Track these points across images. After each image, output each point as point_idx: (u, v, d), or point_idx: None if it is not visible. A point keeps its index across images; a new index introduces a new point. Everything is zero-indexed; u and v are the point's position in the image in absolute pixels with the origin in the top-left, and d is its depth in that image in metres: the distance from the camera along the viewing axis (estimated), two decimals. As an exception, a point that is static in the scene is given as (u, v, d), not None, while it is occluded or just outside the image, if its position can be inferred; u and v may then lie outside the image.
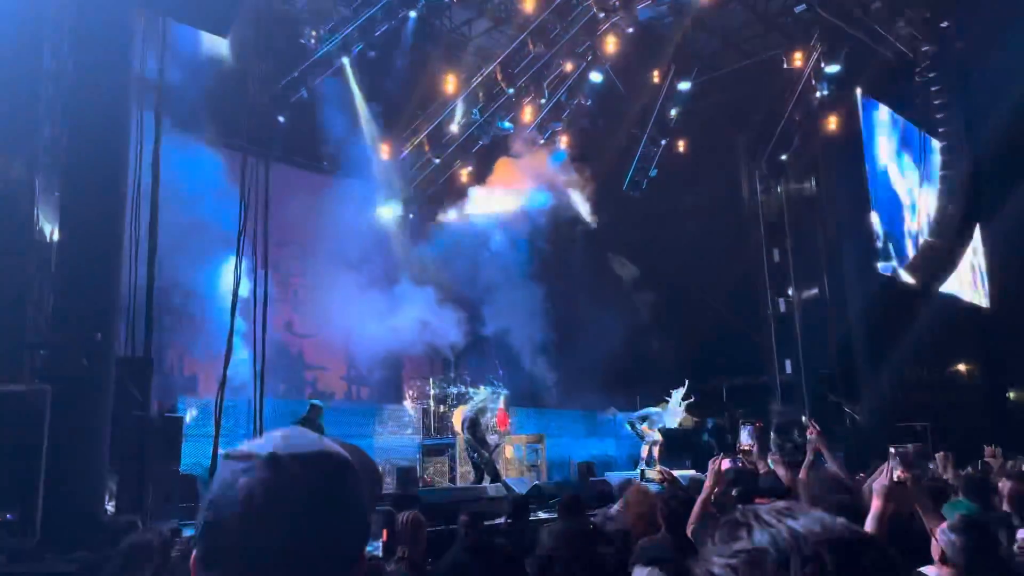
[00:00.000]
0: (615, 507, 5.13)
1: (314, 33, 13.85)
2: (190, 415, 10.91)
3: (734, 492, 4.83)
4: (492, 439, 11.98)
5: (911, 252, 19.39)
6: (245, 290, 7.75)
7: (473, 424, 11.43)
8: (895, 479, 3.09)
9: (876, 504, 3.02)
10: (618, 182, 19.29)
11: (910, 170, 20.26)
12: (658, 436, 13.72)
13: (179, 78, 11.36)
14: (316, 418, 10.39)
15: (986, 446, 7.16)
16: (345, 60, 14.49)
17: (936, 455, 7.05)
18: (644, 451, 13.57)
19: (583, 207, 19.18)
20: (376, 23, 14.16)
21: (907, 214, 19.84)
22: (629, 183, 19.15)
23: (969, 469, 6.99)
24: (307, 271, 17.14)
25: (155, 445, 6.60)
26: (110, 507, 6.55)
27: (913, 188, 20.31)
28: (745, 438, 14.34)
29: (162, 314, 13.99)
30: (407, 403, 14.38)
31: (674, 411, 14.78)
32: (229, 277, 7.56)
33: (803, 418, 16.04)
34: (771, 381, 18.06)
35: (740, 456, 12.51)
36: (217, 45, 12.91)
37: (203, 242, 13.75)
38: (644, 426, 13.64)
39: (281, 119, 14.31)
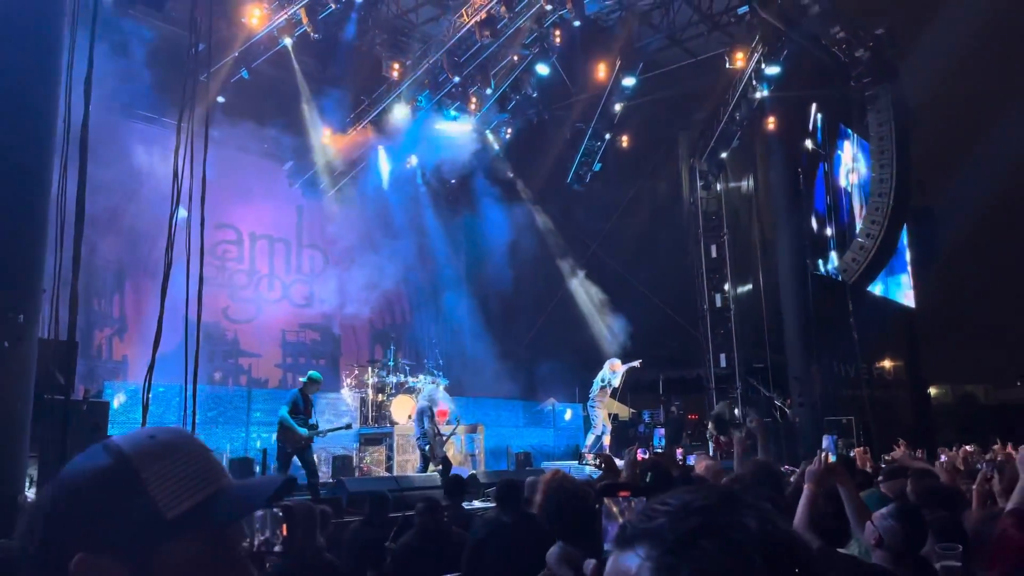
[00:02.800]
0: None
1: (257, 12, 13.51)
2: (117, 400, 10.58)
3: (647, 480, 4.95)
4: (446, 429, 11.96)
5: (843, 252, 19.96)
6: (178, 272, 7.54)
7: (426, 414, 11.38)
8: (825, 464, 3.25)
9: (807, 488, 3.18)
10: (563, 175, 19.39)
11: (846, 172, 20.85)
12: (608, 425, 13.87)
13: (111, 51, 10.99)
14: (310, 394, 10.19)
15: (895, 445, 7.44)
16: (287, 41, 14.19)
17: (855, 450, 7.28)
18: (590, 439, 13.68)
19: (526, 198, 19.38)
20: (321, 5, 13.90)
21: (839, 215, 20.42)
22: (573, 176, 19.26)
23: (886, 458, 7.25)
24: (244, 256, 16.81)
25: (79, 431, 6.38)
26: (30, 494, 6.33)
27: (848, 190, 20.91)
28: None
29: (90, 296, 13.61)
30: (344, 391, 14.20)
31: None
32: (163, 258, 7.34)
33: (736, 411, 16.43)
34: (705, 374, 18.42)
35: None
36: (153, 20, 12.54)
37: (137, 222, 13.37)
38: (602, 407, 13.70)
39: (221, 99, 13.94)
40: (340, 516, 7.56)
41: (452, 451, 12.68)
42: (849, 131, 20.33)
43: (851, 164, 20.17)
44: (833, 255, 19.35)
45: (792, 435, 15.90)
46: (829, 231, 18.98)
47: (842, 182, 19.64)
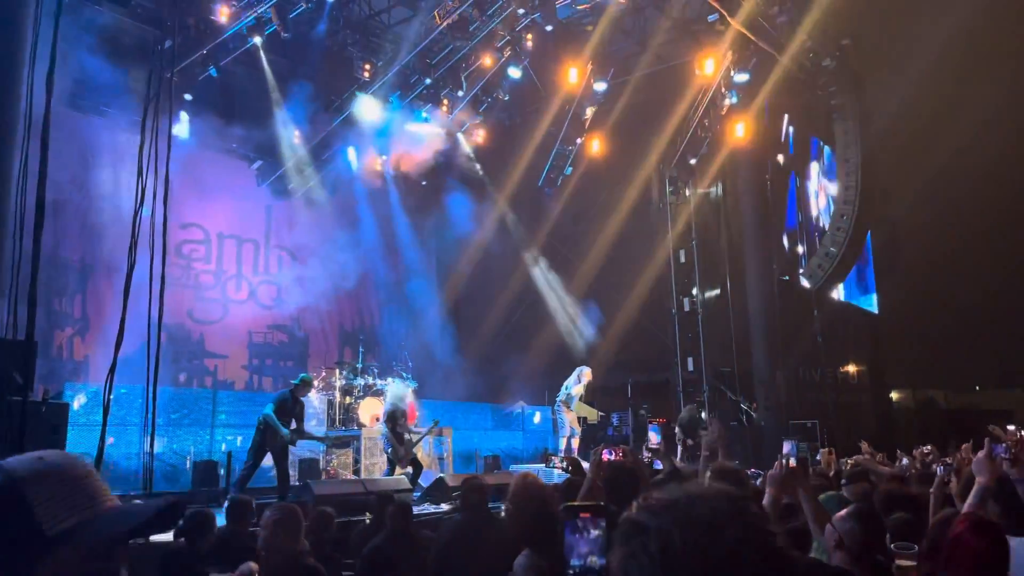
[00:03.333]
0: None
1: (225, 10, 13.35)
2: (78, 402, 10.37)
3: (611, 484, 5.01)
4: (417, 432, 11.91)
5: (809, 258, 20.23)
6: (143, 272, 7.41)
7: (393, 417, 11.31)
8: (786, 468, 3.29)
9: (769, 492, 3.22)
10: (534, 178, 19.44)
11: (814, 192, 21.15)
12: (577, 428, 13.90)
13: (75, 46, 10.81)
14: (300, 396, 10.07)
15: (862, 445, 7.57)
16: (257, 40, 14.05)
17: (822, 451, 7.38)
18: (563, 443, 13.70)
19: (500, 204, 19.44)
20: (291, 4, 13.79)
21: (806, 222, 20.70)
22: (545, 179, 19.31)
23: (848, 462, 7.36)
24: (211, 256, 16.61)
25: (37, 433, 6.24)
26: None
27: (816, 197, 21.21)
28: (654, 438, 14.75)
29: (51, 295, 13.35)
30: (312, 394, 14.06)
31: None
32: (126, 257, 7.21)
33: (703, 415, 16.55)
34: (673, 378, 18.55)
35: (650, 452, 12.81)
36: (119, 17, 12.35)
37: (101, 220, 13.15)
38: (569, 412, 13.72)
39: (188, 96, 13.77)
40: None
41: (420, 454, 12.64)
42: (824, 148, 20.57)
43: (820, 182, 20.43)
44: (790, 255, 19.57)
45: (758, 438, 16.08)
46: (801, 249, 19.22)
47: (812, 204, 19.90)
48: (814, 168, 20.24)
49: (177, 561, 5.14)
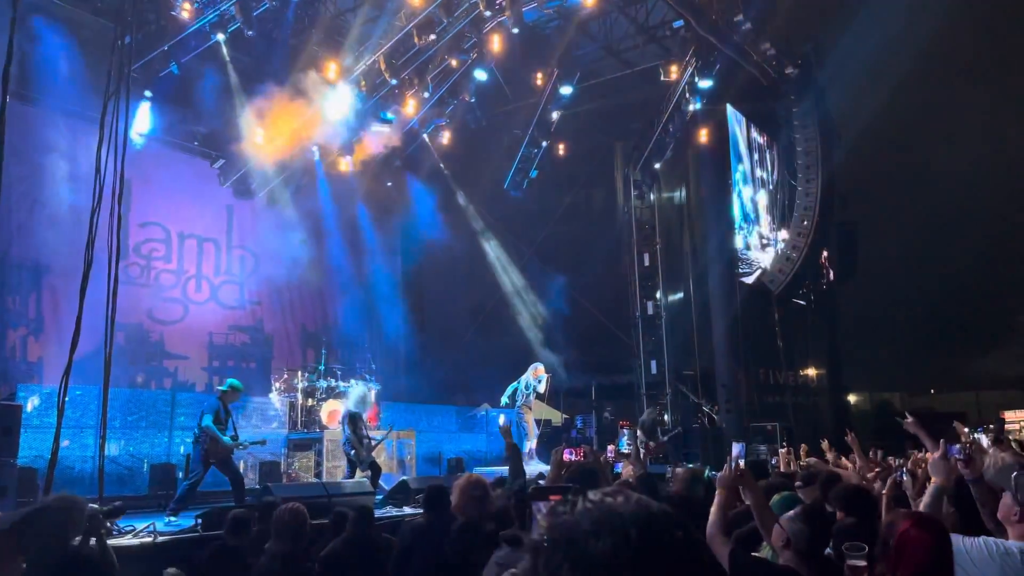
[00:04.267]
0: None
1: (188, 6, 13.17)
2: (31, 403, 10.14)
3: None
4: (375, 436, 11.83)
5: (770, 261, 20.54)
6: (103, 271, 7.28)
7: (354, 418, 11.22)
8: (736, 471, 3.35)
9: (719, 493, 3.28)
10: (500, 180, 19.47)
11: (772, 184, 21.47)
12: (536, 430, 13.93)
13: (31, 38, 10.58)
14: (229, 402, 9.85)
15: (823, 441, 7.72)
16: (220, 37, 13.87)
17: (781, 450, 7.50)
18: (527, 446, 13.71)
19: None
20: (257, 1, 13.65)
21: (769, 226, 21.01)
22: (510, 182, 19.35)
23: (804, 462, 7.49)
24: (172, 255, 16.36)
25: (-12, 435, 6.09)
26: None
27: (775, 201, 21.54)
28: (626, 441, 14.86)
29: (4, 293, 13.05)
30: (273, 396, 13.93)
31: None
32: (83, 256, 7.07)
33: (665, 417, 16.72)
34: (637, 380, 18.71)
35: (612, 456, 12.88)
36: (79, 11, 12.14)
37: (56, 217, 12.88)
38: (529, 412, 13.72)
39: (148, 93, 13.55)
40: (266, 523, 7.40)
41: (383, 457, 12.57)
42: (755, 138, 20.79)
43: (750, 168, 20.63)
44: (754, 257, 19.79)
45: (719, 440, 16.26)
46: (742, 239, 19.45)
47: (744, 188, 20.07)
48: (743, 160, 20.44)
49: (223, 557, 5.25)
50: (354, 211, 18.54)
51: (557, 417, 16.94)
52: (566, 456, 5.63)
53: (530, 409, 13.67)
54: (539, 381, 13.54)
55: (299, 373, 14.09)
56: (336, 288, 18.38)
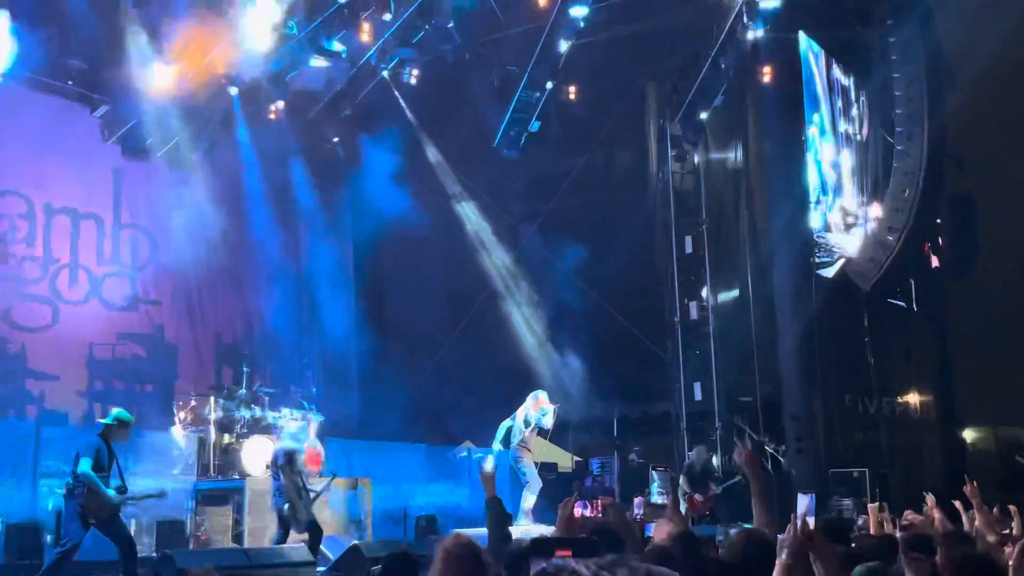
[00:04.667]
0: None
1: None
2: None
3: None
4: (317, 484, 11.84)
5: (858, 247, 20.51)
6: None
7: (290, 461, 11.23)
8: (802, 533, 3.31)
9: (779, 564, 3.25)
10: (488, 136, 19.42)
11: (861, 142, 21.44)
12: (538, 482, 13.89)
13: None
14: (114, 441, 9.81)
15: (926, 496, 7.66)
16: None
17: (869, 507, 7.48)
18: (529, 501, 13.63)
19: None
20: None
21: (857, 199, 20.98)
22: (503, 138, 19.29)
23: (908, 519, 7.46)
24: (36, 237, 16.31)
25: None
26: None
27: (864, 164, 21.50)
28: (659, 488, 14.85)
29: None
30: (177, 430, 13.92)
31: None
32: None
33: (714, 460, 16.72)
34: (675, 410, 18.67)
35: (643, 510, 12.90)
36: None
37: None
38: (528, 453, 13.61)
39: (4, 13, 13.55)
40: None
41: (326, 514, 12.55)
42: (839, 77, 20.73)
43: (830, 119, 20.56)
44: (835, 241, 19.73)
45: (787, 491, 16.24)
46: (820, 217, 19.40)
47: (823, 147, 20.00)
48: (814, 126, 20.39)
49: None
50: (287, 176, 18.50)
51: (565, 460, 16.94)
52: (578, 511, 5.62)
53: (530, 451, 13.58)
54: (543, 414, 13.44)
55: (212, 399, 14.08)
56: (263, 281, 18.36)
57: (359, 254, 19.92)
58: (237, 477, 13.30)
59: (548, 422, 13.47)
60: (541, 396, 13.67)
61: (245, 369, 14.77)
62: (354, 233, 19.97)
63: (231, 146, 17.48)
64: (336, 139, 19.07)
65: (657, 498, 13.82)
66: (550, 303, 19.52)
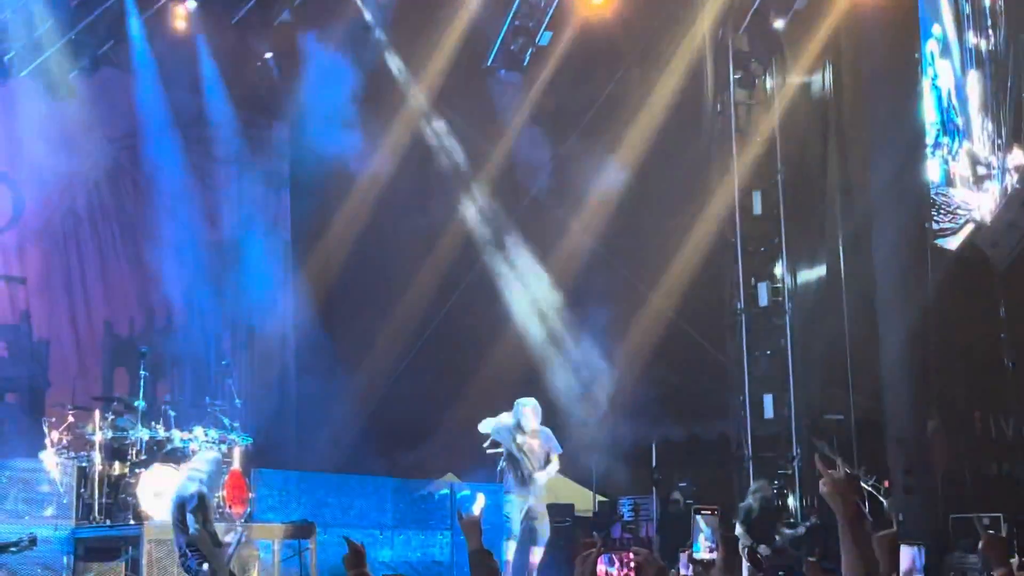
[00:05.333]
0: None
1: None
2: None
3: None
4: (232, 534, 11.93)
5: (993, 208, 20.55)
6: None
7: (202, 504, 11.32)
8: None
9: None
10: (480, 53, 19.44)
11: (997, 61, 21.44)
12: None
13: None
14: None
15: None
16: None
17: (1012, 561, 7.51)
18: (507, 551, 13.70)
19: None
20: None
21: (990, 141, 21.00)
22: (499, 54, 19.34)
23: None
24: None
25: None
26: None
27: (1003, 94, 21.52)
28: (706, 539, 14.91)
29: None
30: (48, 456, 13.99)
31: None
32: None
33: (789, 500, 16.77)
34: (737, 431, 18.69)
35: (696, 568, 13.03)
36: None
37: None
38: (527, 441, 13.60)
39: None
40: None
41: (254, 574, 12.63)
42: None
43: (955, 31, 20.52)
44: (961, 199, 19.72)
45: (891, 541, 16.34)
46: (939, 166, 19.39)
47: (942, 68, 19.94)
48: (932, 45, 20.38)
49: None
50: (200, 101, 18.50)
51: (585, 500, 17.03)
52: (601, 570, 5.68)
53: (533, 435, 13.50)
54: (518, 420, 13.42)
55: (97, 415, 14.14)
56: (169, 252, 18.38)
57: (299, 210, 19.92)
58: (132, 522, 13.33)
59: (529, 422, 13.39)
60: (528, 405, 13.55)
61: (143, 373, 14.77)
62: (295, 186, 20.00)
63: (124, 62, 17.50)
64: (269, 54, 19.03)
65: (704, 553, 13.83)
66: (562, 285, 19.46)
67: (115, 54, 17.45)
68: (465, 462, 17.20)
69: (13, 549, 10.57)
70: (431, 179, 19.95)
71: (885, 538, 4.05)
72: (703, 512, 15.32)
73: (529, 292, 19.82)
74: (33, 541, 10.70)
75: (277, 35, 18.97)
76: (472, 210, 20.14)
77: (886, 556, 3.83)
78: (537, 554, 13.37)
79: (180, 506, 11.50)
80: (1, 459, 13.10)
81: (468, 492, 17.16)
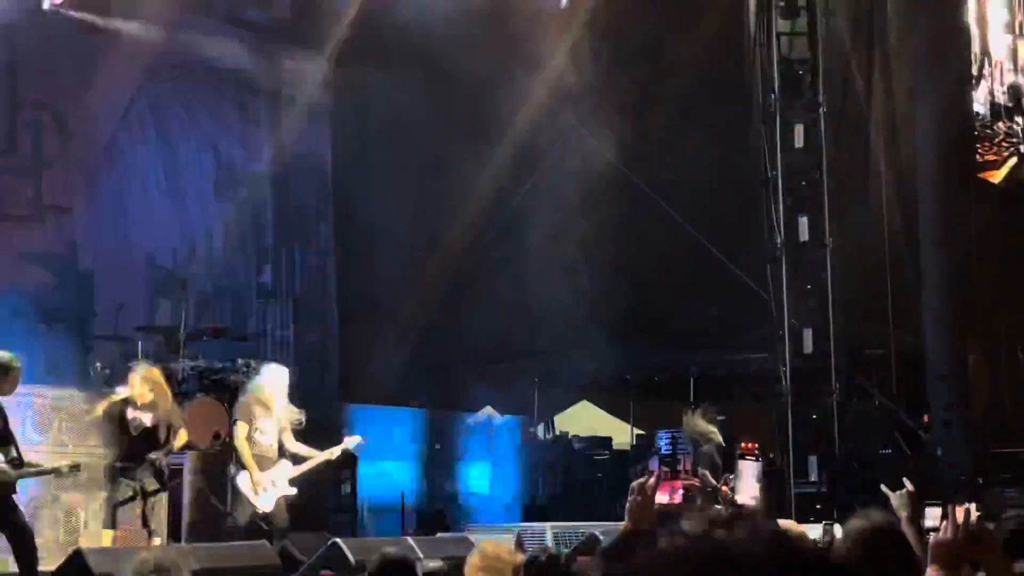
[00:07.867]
0: None
1: None
2: None
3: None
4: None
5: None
6: None
7: (246, 420, 11.56)
8: (965, 532, 3.34)
9: (931, 571, 3.32)
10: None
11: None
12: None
13: None
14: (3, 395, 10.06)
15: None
16: None
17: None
18: None
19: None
20: None
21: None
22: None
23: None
24: None
25: None
26: None
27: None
28: (749, 483, 14.88)
29: None
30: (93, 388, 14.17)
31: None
32: None
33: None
34: (776, 364, 18.68)
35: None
36: None
37: None
38: None
39: None
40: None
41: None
42: None
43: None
44: (1006, 131, 19.56)
45: (931, 478, 16.33)
46: (985, 95, 19.20)
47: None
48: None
49: None
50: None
51: (622, 432, 17.13)
52: (663, 493, 5.39)
53: None
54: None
55: (140, 346, 14.27)
56: (207, 183, 18.44)
57: (342, 152, 19.82)
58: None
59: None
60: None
61: (185, 304, 14.90)
62: (341, 126, 19.89)
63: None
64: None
65: (746, 499, 13.70)
66: (600, 220, 19.34)
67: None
68: (502, 394, 17.34)
69: (57, 474, 10.73)
70: (463, 124, 19.71)
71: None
72: (747, 457, 15.32)
73: (562, 231, 19.73)
74: (75, 469, 10.85)
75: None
76: (503, 152, 19.96)
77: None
78: None
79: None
80: (46, 387, 13.09)
81: (505, 423, 17.34)
